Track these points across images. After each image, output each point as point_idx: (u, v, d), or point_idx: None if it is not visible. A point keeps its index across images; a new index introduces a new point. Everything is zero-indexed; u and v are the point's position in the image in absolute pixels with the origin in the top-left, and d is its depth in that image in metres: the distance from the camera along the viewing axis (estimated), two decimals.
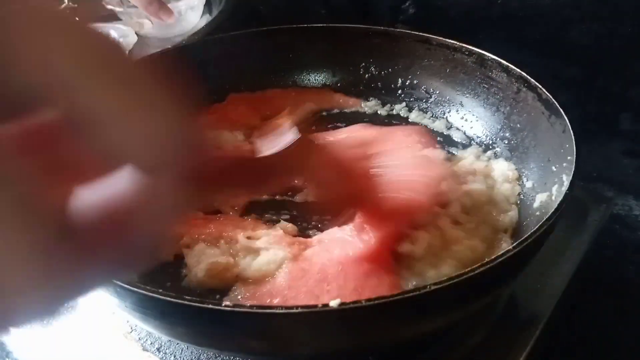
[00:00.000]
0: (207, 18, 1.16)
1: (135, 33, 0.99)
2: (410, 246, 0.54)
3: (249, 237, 0.57)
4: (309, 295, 0.49)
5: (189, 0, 1.13)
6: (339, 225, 0.54)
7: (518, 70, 0.69)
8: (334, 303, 0.38)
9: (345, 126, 0.76)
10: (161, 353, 0.54)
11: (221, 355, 0.54)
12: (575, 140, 0.55)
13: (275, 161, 0.40)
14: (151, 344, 0.55)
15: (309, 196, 0.63)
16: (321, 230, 0.59)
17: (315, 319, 0.39)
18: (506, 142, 0.71)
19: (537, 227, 0.45)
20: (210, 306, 0.39)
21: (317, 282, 0.50)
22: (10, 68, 0.17)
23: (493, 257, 0.42)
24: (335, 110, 0.83)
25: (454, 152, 0.74)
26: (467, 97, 0.78)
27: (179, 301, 0.39)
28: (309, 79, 0.87)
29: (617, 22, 0.77)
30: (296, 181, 0.62)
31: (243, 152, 0.45)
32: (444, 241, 0.55)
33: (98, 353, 0.54)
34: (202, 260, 0.55)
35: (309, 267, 0.52)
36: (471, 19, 0.90)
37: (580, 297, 0.63)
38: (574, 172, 0.52)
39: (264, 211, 0.63)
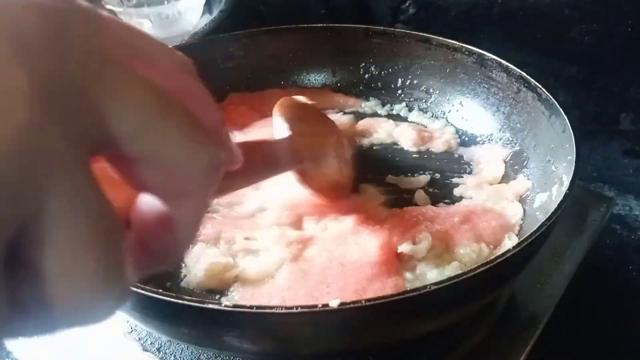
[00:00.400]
0: (207, 18, 1.16)
1: None
2: (413, 247, 0.53)
3: (247, 238, 0.57)
4: (308, 297, 0.49)
5: (189, 0, 1.13)
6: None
7: (518, 70, 0.69)
8: (334, 303, 0.38)
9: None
10: (161, 353, 0.54)
11: (221, 355, 0.54)
12: (575, 140, 0.55)
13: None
14: (151, 344, 0.55)
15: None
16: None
17: (315, 319, 0.39)
18: (506, 142, 0.71)
19: (537, 227, 0.45)
20: (210, 306, 0.39)
21: (317, 283, 0.50)
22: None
23: (493, 257, 0.42)
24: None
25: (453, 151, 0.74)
26: (467, 97, 0.78)
27: (179, 301, 0.39)
28: (309, 79, 0.87)
29: (617, 22, 0.77)
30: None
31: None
32: (448, 244, 0.55)
33: (98, 353, 0.54)
34: (201, 260, 0.55)
35: (309, 268, 0.52)
36: (471, 19, 0.90)
37: (580, 297, 0.63)
38: (574, 172, 0.52)
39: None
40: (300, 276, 0.51)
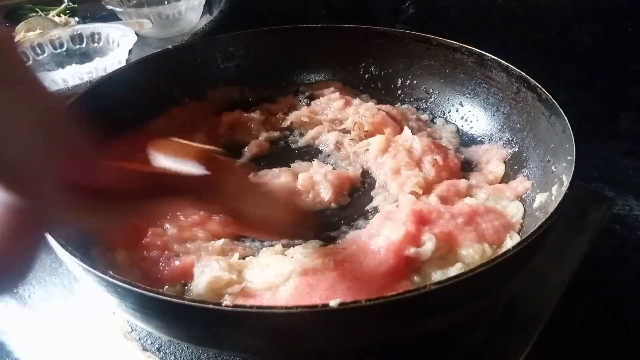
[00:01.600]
0: (207, 18, 1.16)
1: (135, 33, 0.99)
2: (418, 250, 0.53)
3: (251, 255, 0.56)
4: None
5: (189, 0, 1.13)
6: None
7: (518, 70, 0.69)
8: (334, 303, 0.38)
9: None
10: (161, 353, 0.54)
11: (221, 355, 0.54)
12: (575, 140, 0.55)
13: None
14: (151, 344, 0.55)
15: None
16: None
17: (315, 318, 0.39)
18: (506, 142, 0.71)
19: (537, 226, 0.45)
20: (210, 306, 0.39)
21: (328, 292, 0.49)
22: None
23: (493, 258, 0.42)
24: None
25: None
26: (467, 97, 0.78)
27: (180, 301, 0.39)
28: (308, 79, 0.87)
29: (617, 22, 0.77)
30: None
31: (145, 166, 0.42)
32: (451, 245, 0.55)
33: (98, 353, 0.54)
34: (206, 272, 0.53)
35: (316, 282, 0.50)
36: (471, 19, 0.91)
37: (580, 298, 0.63)
38: (573, 172, 0.52)
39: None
40: (307, 290, 0.49)
